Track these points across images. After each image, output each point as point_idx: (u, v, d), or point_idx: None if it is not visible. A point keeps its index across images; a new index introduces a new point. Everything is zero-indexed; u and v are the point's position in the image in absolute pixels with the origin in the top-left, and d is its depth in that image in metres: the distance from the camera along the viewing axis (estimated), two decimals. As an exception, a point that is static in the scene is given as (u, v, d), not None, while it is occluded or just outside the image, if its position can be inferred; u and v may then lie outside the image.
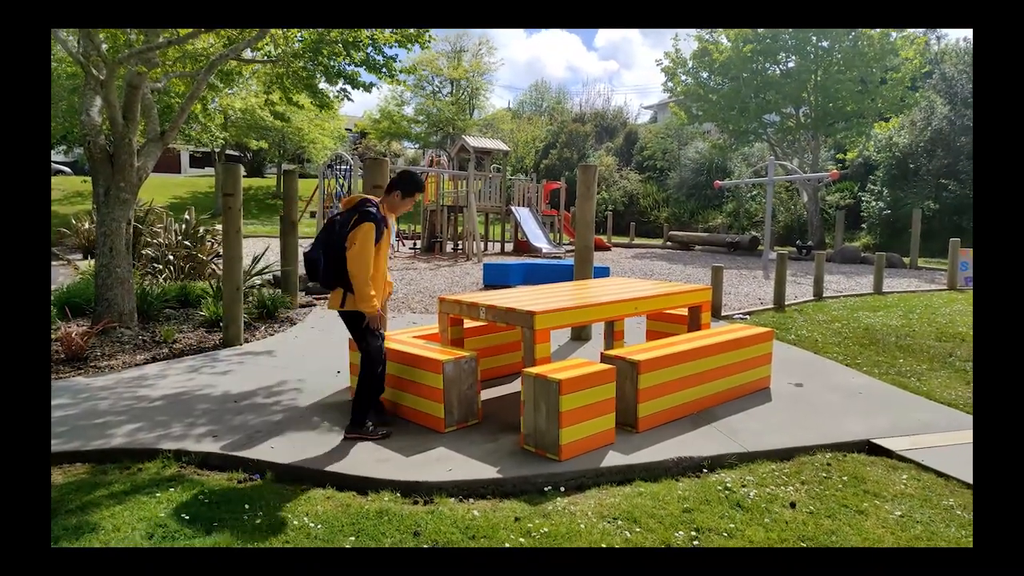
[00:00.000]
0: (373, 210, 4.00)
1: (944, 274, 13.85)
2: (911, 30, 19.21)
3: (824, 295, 10.39)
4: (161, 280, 9.43)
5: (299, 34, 7.94)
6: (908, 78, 19.02)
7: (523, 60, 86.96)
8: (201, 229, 10.86)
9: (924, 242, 17.69)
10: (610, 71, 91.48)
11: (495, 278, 11.40)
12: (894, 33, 18.99)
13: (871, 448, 4.11)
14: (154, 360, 6.05)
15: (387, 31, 7.72)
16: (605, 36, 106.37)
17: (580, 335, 6.91)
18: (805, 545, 2.94)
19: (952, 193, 19.26)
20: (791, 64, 20.29)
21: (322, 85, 8.69)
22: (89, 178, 27.21)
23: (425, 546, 2.88)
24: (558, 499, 3.36)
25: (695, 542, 2.95)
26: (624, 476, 3.63)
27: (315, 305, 9.06)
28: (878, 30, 18.32)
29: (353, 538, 2.94)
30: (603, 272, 10.87)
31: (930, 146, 20.48)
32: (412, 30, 7.72)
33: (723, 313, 8.53)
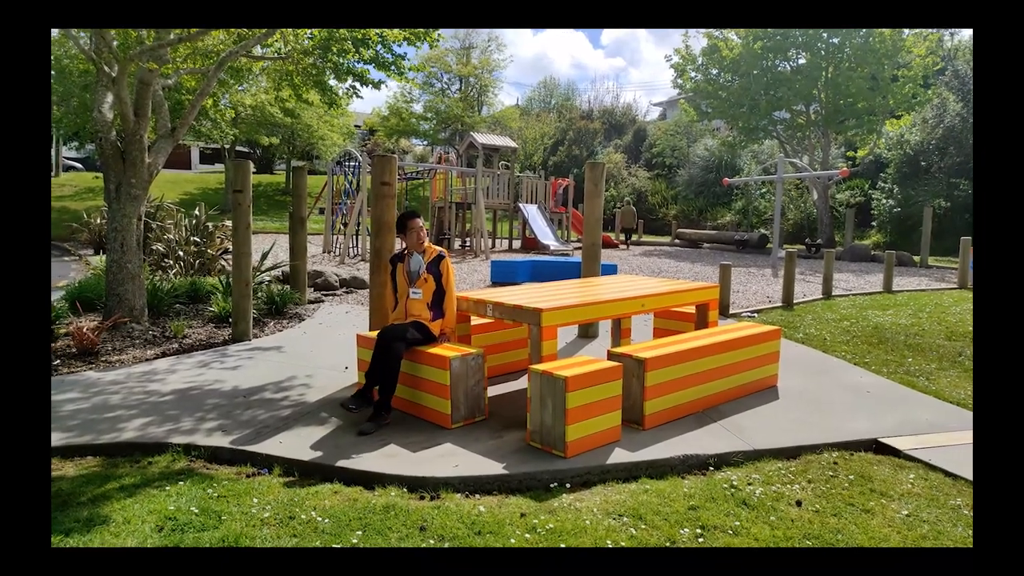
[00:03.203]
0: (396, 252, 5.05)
1: (955, 272, 13.76)
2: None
3: (833, 293, 10.34)
4: (171, 275, 9.50)
5: (308, 31, 7.97)
6: (920, 75, 18.86)
7: (529, 57, 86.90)
8: (211, 225, 10.94)
9: (935, 240, 17.59)
10: (617, 68, 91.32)
11: (503, 275, 11.41)
12: (906, 30, 18.83)
13: (878, 447, 4.10)
14: (164, 355, 6.11)
15: (396, 29, 7.73)
16: (611, 34, 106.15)
17: (587, 332, 6.92)
18: (811, 543, 2.94)
19: (964, 191, 19.11)
20: (801, 61, 20.17)
21: (331, 82, 8.72)
22: (101, 174, 27.38)
23: (431, 541, 2.90)
24: (564, 495, 3.37)
25: (700, 540, 2.95)
26: (630, 473, 3.64)
27: (323, 301, 9.10)
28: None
29: (360, 532, 2.96)
30: (611, 269, 10.86)
31: (942, 144, 20.32)
32: (421, 28, 7.72)
33: (731, 311, 8.51)
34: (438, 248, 4.85)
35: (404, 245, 4.89)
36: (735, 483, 3.52)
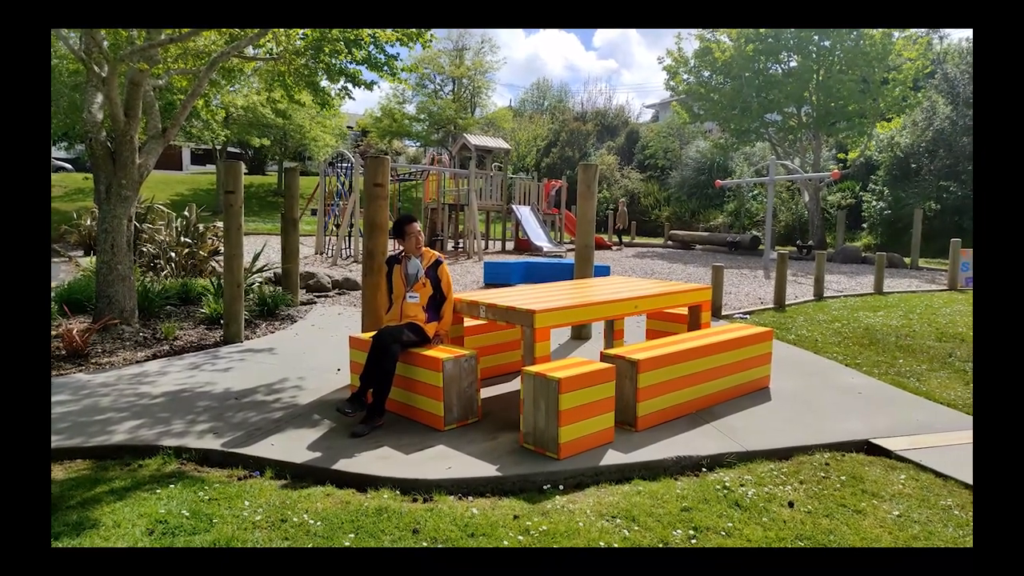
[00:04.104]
0: (392, 254, 5.12)
1: (945, 274, 13.85)
2: (913, 30, 19.20)
3: (825, 295, 10.39)
4: (162, 277, 9.45)
5: (301, 32, 7.94)
6: (910, 78, 18.99)
7: (522, 59, 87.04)
8: (202, 226, 10.89)
9: (925, 242, 17.69)
10: (609, 70, 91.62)
11: (496, 277, 11.41)
12: (896, 33, 18.96)
13: (870, 448, 4.11)
14: (155, 357, 6.07)
15: (389, 29, 7.72)
16: (603, 36, 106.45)
17: (580, 334, 6.92)
18: (803, 544, 2.95)
19: (953, 194, 19.25)
20: (793, 63, 20.27)
21: (324, 83, 8.70)
22: (91, 175, 27.23)
23: (424, 543, 2.89)
24: (557, 497, 3.37)
25: (693, 541, 2.96)
26: (623, 475, 3.64)
27: (316, 303, 9.07)
28: (880, 29, 18.30)
29: (352, 535, 2.94)
30: (603, 271, 10.87)
31: (932, 146, 20.47)
32: (413, 28, 7.72)
33: (723, 312, 8.53)
34: (435, 253, 4.89)
35: (400, 248, 4.91)
36: (728, 484, 3.53)
